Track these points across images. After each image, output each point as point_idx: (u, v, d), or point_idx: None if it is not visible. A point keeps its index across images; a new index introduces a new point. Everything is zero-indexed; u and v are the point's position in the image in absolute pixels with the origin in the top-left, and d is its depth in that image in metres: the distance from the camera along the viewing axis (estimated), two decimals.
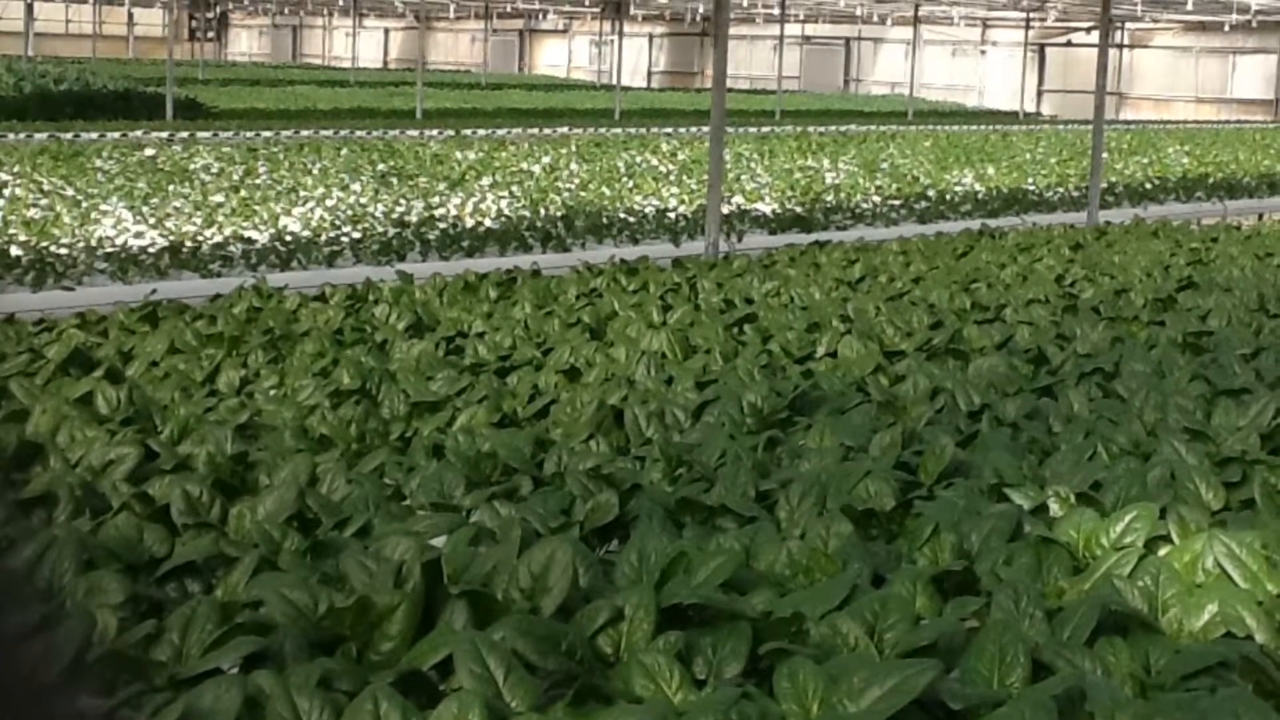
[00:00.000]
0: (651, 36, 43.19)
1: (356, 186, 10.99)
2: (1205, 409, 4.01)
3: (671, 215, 10.14)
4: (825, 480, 3.25)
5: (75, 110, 19.05)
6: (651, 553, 2.67)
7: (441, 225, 9.14)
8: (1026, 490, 3.20)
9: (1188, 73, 34.49)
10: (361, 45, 42.90)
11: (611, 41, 32.36)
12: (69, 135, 14.82)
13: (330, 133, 17.18)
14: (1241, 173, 15.55)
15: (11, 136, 14.59)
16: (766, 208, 10.93)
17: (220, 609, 2.44)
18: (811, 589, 2.61)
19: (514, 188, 11.43)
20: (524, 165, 13.41)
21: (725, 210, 9.67)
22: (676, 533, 3.02)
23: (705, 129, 14.95)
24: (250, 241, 8.22)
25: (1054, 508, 3.10)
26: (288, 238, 8.36)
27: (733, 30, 22.06)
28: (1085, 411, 4.05)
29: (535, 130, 19.29)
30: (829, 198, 11.66)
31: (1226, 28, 31.40)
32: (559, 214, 9.95)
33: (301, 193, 10.45)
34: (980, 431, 3.87)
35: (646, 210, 10.40)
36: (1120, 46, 34.08)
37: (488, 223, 9.44)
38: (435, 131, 18.06)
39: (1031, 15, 30.93)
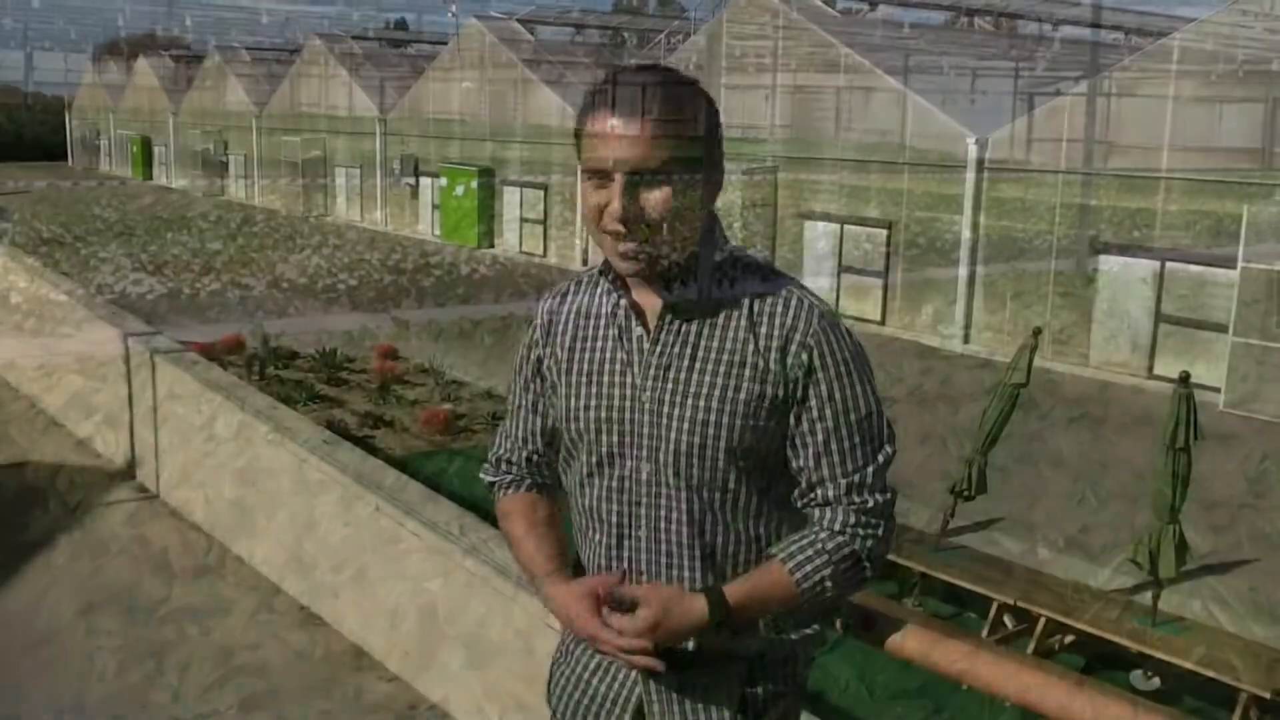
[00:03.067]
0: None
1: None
2: None
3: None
4: None
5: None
6: None
7: (436, 273, 9.20)
8: None
9: (1175, 122, 34.78)
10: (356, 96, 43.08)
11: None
12: (67, 182, 14.90)
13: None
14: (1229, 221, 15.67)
15: (11, 184, 14.66)
16: (758, 255, 11.01)
17: (219, 651, 2.47)
18: None
19: None
20: None
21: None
22: None
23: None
24: (248, 289, 8.28)
25: None
26: (285, 285, 8.42)
27: (724, 79, 22.29)
28: None
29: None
30: None
31: (1214, 77, 31.70)
32: None
33: (298, 240, 10.51)
34: None
35: None
36: (1108, 95, 34.35)
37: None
38: None
39: (1020, 65, 31.22)
